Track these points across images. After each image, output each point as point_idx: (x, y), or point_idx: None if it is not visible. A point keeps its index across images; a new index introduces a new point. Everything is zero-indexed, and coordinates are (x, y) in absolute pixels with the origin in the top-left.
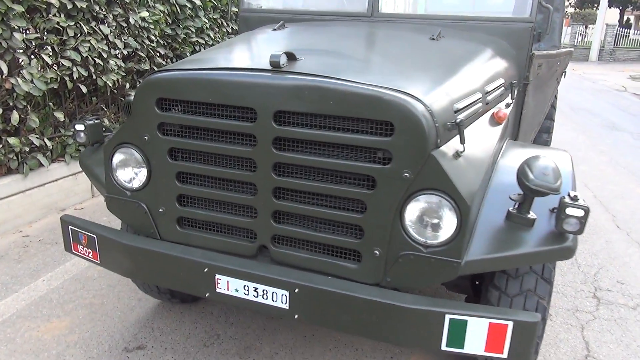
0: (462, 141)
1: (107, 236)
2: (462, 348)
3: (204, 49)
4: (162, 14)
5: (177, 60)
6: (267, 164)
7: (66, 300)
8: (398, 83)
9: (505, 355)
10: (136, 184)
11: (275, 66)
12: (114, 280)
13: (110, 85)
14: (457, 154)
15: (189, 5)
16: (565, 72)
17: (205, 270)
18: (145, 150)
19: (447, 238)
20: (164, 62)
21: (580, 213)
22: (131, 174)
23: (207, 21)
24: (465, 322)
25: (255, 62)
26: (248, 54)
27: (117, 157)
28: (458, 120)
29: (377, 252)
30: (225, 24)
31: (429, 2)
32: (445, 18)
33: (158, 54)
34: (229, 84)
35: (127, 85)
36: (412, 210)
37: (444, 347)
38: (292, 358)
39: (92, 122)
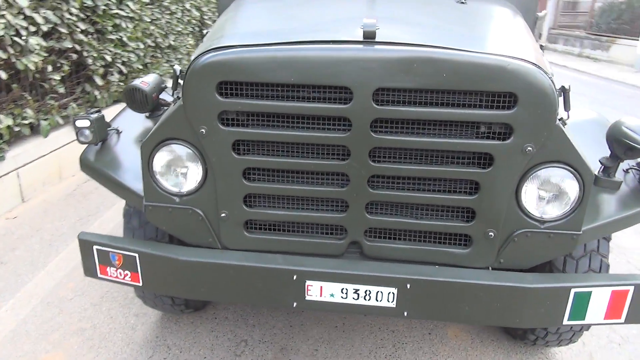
0: (568, 108)
1: (154, 253)
2: (584, 319)
3: (125, 22)
4: None
5: (98, 36)
6: (363, 150)
7: (47, 330)
8: (511, 51)
9: (622, 320)
10: (188, 187)
11: (370, 37)
12: (95, 297)
13: (33, 68)
14: (565, 122)
15: None
16: None
17: (295, 277)
18: (201, 145)
19: (567, 210)
20: (85, 39)
21: None
22: (181, 175)
23: None
24: (590, 293)
25: (335, 33)
26: (305, 23)
27: (161, 157)
28: (567, 86)
29: (491, 233)
30: None
31: None
32: None
33: (79, 30)
34: (317, 60)
35: (50, 68)
36: (531, 186)
37: (565, 322)
38: (335, 352)
39: (96, 115)
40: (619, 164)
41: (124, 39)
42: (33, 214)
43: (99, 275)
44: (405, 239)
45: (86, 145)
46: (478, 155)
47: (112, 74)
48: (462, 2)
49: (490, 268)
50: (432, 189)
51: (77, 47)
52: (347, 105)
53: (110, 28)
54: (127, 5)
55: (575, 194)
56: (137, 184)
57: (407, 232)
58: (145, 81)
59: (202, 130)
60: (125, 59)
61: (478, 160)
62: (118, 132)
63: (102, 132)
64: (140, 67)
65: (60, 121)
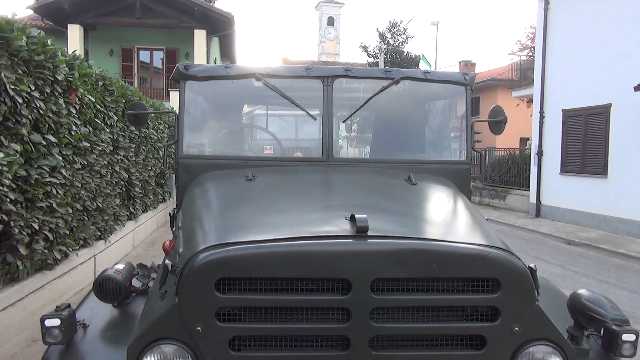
0: (537, 286)
1: None
2: None
3: (57, 190)
4: (17, 155)
5: (27, 205)
6: (363, 339)
7: None
8: (483, 240)
9: None
10: None
11: (363, 231)
12: None
13: None
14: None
15: (43, 142)
16: None
17: None
18: (195, 344)
19: None
20: (13, 208)
21: (632, 337)
22: None
23: (61, 159)
24: None
25: (325, 226)
26: (291, 216)
27: (150, 359)
28: (534, 266)
29: None
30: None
31: (372, 149)
32: (394, 161)
33: (8, 200)
34: (316, 254)
35: None
36: None
37: None
38: None
39: (67, 312)
40: (584, 331)
41: (54, 205)
42: None
43: None
44: None
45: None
46: (471, 338)
47: (37, 242)
48: (414, 184)
49: None
50: None
51: (4, 217)
52: (346, 297)
53: (40, 196)
54: (60, 172)
55: None
56: None
57: None
58: (119, 270)
59: (198, 328)
60: (52, 225)
61: (470, 342)
62: (85, 327)
63: (71, 330)
64: (67, 232)
65: None
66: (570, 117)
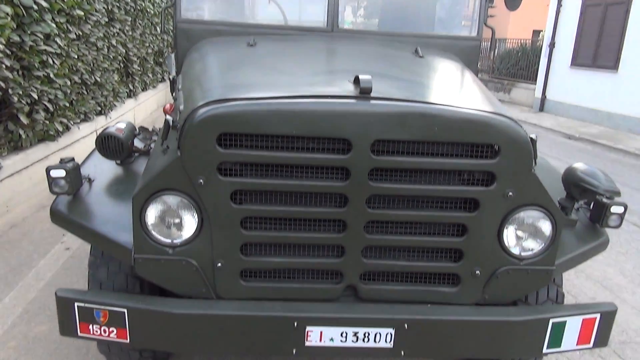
0: (536, 156)
1: (145, 308)
2: (559, 347)
3: (53, 59)
4: (8, 17)
5: (24, 72)
6: (361, 198)
7: None
8: (487, 107)
9: (591, 344)
10: (181, 238)
11: (366, 92)
12: (44, 356)
13: None
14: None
15: (35, 7)
16: None
17: (296, 324)
18: (197, 196)
19: (542, 248)
20: (10, 75)
21: (621, 210)
22: (174, 226)
23: (55, 26)
24: (565, 322)
25: (329, 87)
26: (295, 77)
27: (155, 209)
28: (534, 137)
29: (477, 272)
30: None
31: (381, 20)
32: (402, 34)
33: (4, 66)
34: (319, 113)
35: None
36: (511, 227)
37: (545, 350)
38: None
39: (71, 164)
40: (574, 204)
41: (51, 75)
42: None
43: (79, 333)
44: (398, 281)
45: (55, 195)
46: (465, 201)
47: (37, 112)
48: (421, 57)
49: (477, 304)
50: (424, 233)
51: (2, 84)
52: (346, 156)
53: (37, 65)
54: (55, 42)
55: (549, 233)
56: (120, 236)
57: (400, 274)
58: (120, 128)
59: (201, 180)
60: (52, 96)
61: (465, 205)
62: (90, 181)
63: (77, 182)
64: (67, 104)
65: None
66: (590, 7)
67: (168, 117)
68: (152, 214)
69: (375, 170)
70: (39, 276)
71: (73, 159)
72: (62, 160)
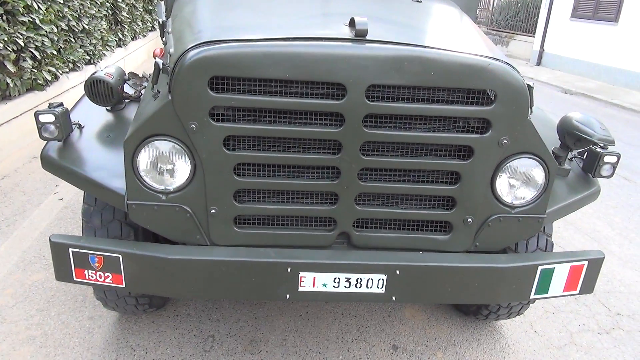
0: (532, 104)
1: (140, 253)
2: (547, 293)
3: (37, 3)
4: None
5: (8, 17)
6: (355, 144)
7: None
8: (485, 53)
9: (577, 291)
10: (175, 184)
11: (361, 35)
12: (41, 302)
13: None
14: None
15: None
16: None
17: (289, 270)
18: (190, 141)
19: (534, 196)
20: None
21: (614, 159)
22: (167, 172)
23: None
24: (553, 269)
25: (323, 30)
26: (288, 19)
27: (146, 155)
28: (532, 84)
29: (469, 220)
30: None
31: None
32: None
33: None
34: (313, 56)
35: None
36: (504, 175)
37: (532, 296)
38: (303, 339)
39: (60, 109)
40: (568, 153)
41: (37, 21)
42: None
43: (75, 278)
44: (391, 228)
45: (45, 141)
46: (459, 148)
47: (24, 60)
48: (419, 1)
49: (468, 251)
50: (417, 180)
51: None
52: (341, 101)
53: (21, 9)
54: None
55: (542, 181)
56: (112, 182)
57: (392, 222)
58: (109, 73)
59: (193, 125)
60: (38, 44)
61: (459, 153)
62: (80, 127)
63: (67, 128)
64: (55, 52)
65: None
66: None
67: (158, 60)
68: (144, 159)
69: (369, 116)
70: (33, 226)
71: (62, 104)
72: (50, 105)
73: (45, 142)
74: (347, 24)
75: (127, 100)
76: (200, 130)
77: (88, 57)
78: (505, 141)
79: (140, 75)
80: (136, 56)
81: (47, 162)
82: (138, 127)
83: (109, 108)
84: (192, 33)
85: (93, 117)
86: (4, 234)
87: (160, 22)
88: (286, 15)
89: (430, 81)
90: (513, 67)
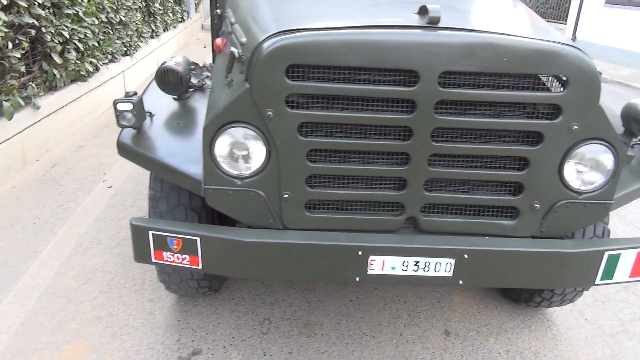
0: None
1: (217, 236)
2: (612, 279)
3: None
4: None
5: (54, 10)
6: (426, 131)
7: (61, 320)
8: (558, 37)
9: None
10: (250, 169)
11: (434, 22)
12: (102, 285)
13: None
14: None
15: None
16: None
17: (360, 253)
18: (266, 128)
19: (602, 182)
20: (42, 13)
21: None
22: (242, 158)
23: None
24: (619, 255)
25: (395, 17)
26: (359, 8)
27: (224, 141)
28: (600, 70)
29: (537, 205)
30: None
31: None
32: None
33: (36, 3)
34: (387, 44)
35: (10, 45)
36: (573, 161)
37: (597, 282)
38: (356, 323)
39: (137, 98)
40: (632, 139)
41: (80, 14)
42: (5, 202)
43: (153, 260)
44: (458, 213)
45: (121, 129)
46: (528, 134)
47: (69, 52)
48: None
49: (534, 237)
50: (486, 166)
51: (36, 23)
52: (413, 88)
53: (66, 2)
54: None
55: (611, 167)
56: (189, 167)
57: (459, 207)
58: (179, 62)
59: (269, 113)
60: (81, 36)
61: (527, 139)
62: (151, 116)
63: (141, 116)
64: (95, 44)
65: (21, 102)
66: None
67: (233, 49)
68: (221, 146)
69: (440, 103)
70: (87, 212)
71: (136, 93)
72: (127, 94)
73: (121, 129)
74: (416, 12)
75: (191, 89)
76: (276, 117)
77: (125, 49)
78: (575, 127)
79: (201, 65)
80: (168, 47)
81: (124, 149)
82: (216, 115)
83: (175, 97)
84: (265, 22)
85: (162, 105)
86: (60, 220)
87: (218, 13)
88: (354, 4)
89: (502, 67)
90: (585, 52)
